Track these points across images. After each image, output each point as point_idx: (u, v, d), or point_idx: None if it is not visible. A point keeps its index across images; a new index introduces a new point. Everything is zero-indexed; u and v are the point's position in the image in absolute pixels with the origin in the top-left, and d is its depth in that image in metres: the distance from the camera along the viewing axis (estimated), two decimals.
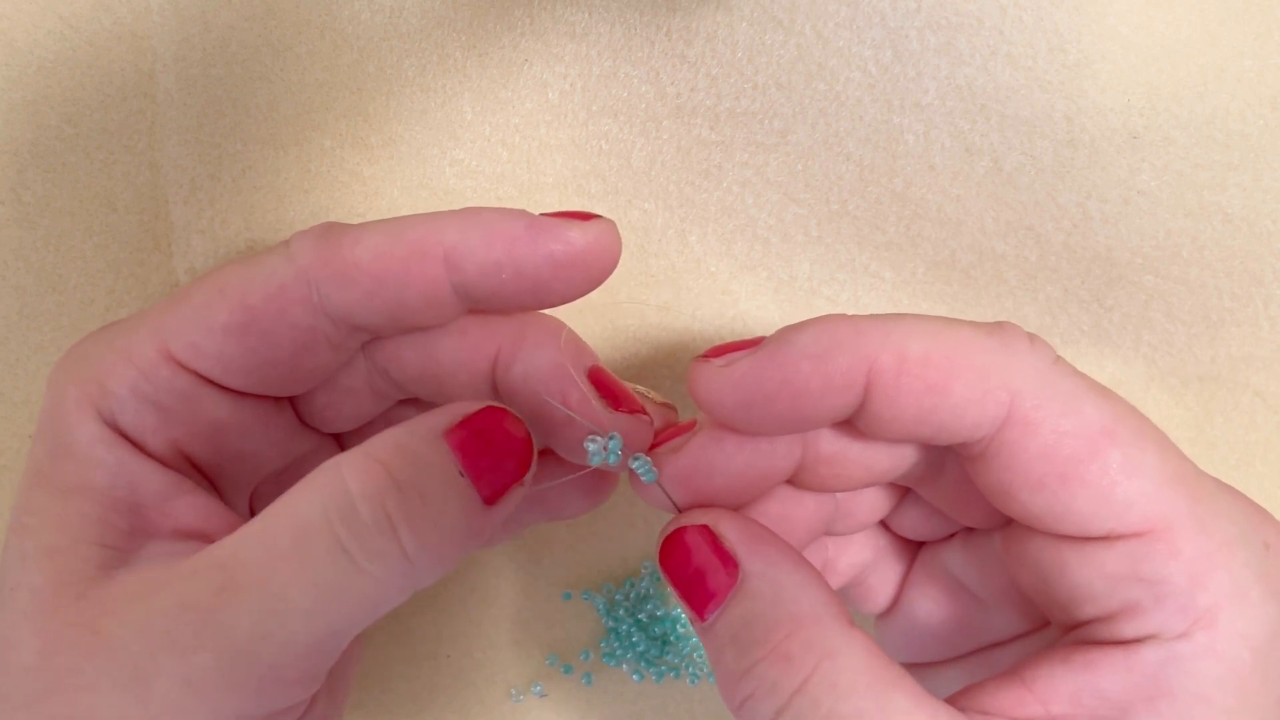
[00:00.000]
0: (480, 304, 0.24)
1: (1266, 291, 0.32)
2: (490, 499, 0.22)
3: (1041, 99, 0.29)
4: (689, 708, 0.36)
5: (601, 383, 0.25)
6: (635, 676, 0.35)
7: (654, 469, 0.24)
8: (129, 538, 0.23)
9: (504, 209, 0.24)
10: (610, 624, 0.35)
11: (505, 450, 0.23)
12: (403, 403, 0.28)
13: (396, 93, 0.30)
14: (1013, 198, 0.30)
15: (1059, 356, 0.23)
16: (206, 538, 0.23)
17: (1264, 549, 0.22)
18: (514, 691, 0.35)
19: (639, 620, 0.35)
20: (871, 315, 0.23)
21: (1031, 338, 0.22)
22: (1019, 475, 0.22)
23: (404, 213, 0.30)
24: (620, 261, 0.31)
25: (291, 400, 0.26)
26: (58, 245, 0.30)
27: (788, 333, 0.23)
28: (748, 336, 0.32)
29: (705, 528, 0.23)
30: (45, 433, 0.24)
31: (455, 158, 0.30)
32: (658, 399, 0.26)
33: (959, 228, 0.31)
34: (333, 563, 0.21)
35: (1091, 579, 0.22)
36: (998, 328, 0.23)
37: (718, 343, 0.32)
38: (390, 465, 0.22)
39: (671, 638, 0.36)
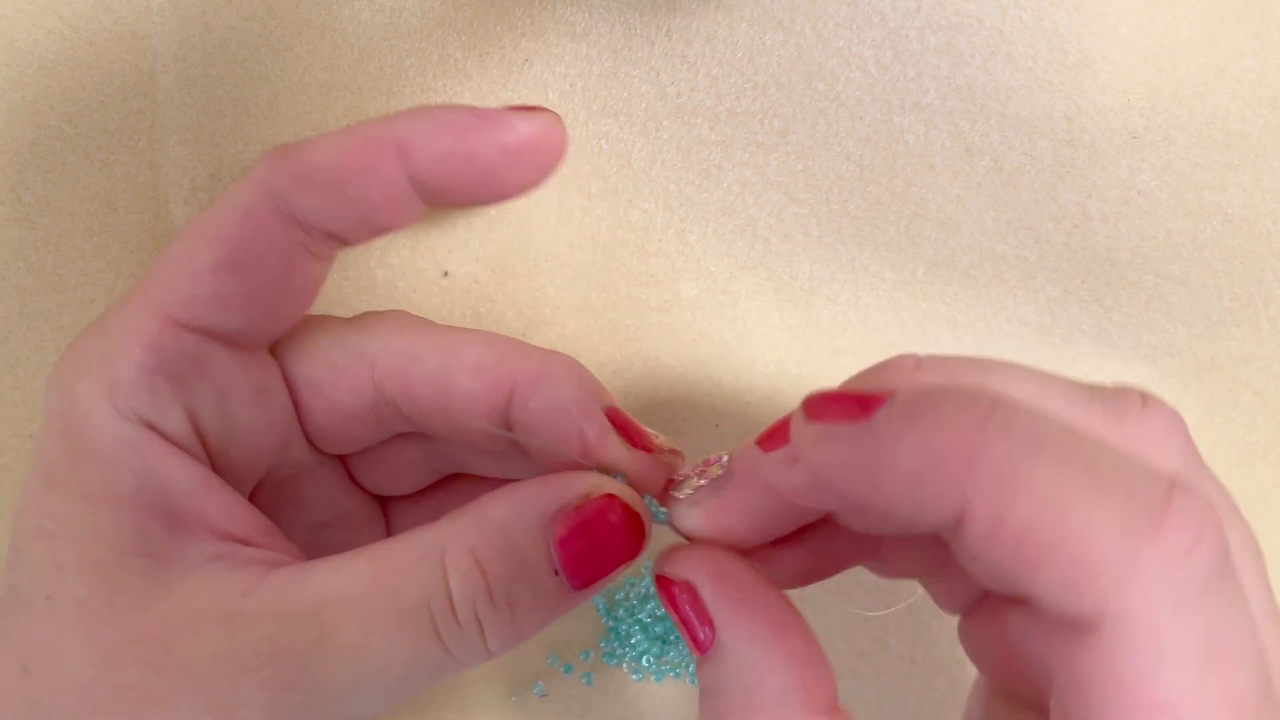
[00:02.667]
0: (437, 197, 0.24)
1: (1266, 292, 0.32)
2: (581, 587, 0.23)
3: (1042, 99, 0.29)
4: (689, 708, 0.36)
5: (619, 422, 0.25)
6: (636, 677, 0.35)
7: (661, 509, 0.24)
8: (168, 542, 0.23)
9: (452, 105, 0.24)
10: (611, 624, 0.35)
11: (610, 544, 0.23)
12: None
13: (397, 93, 0.30)
14: (1013, 198, 0.30)
15: (1228, 567, 0.17)
16: (239, 539, 0.23)
17: None
18: (514, 691, 0.35)
19: (640, 620, 0.35)
20: (987, 405, 0.17)
21: (1202, 530, 0.16)
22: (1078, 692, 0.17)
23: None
24: (620, 260, 0.31)
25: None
26: (58, 245, 0.30)
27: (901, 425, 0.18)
28: (746, 336, 0.32)
29: (688, 584, 0.22)
30: (56, 432, 0.23)
31: None
32: (667, 444, 0.26)
33: (959, 228, 0.31)
34: (425, 645, 0.22)
35: None
36: (1161, 489, 0.17)
37: (717, 342, 0.32)
38: (489, 572, 0.22)
39: (672, 638, 0.36)
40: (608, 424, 0.24)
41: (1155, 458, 0.19)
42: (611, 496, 0.23)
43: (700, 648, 0.21)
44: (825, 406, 0.19)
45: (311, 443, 0.27)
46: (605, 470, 0.24)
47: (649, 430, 0.26)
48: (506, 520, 0.22)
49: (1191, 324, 0.32)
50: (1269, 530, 0.34)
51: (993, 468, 0.17)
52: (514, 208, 0.31)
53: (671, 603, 0.22)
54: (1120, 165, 0.30)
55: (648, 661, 0.35)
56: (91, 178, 0.30)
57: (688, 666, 0.36)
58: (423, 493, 0.29)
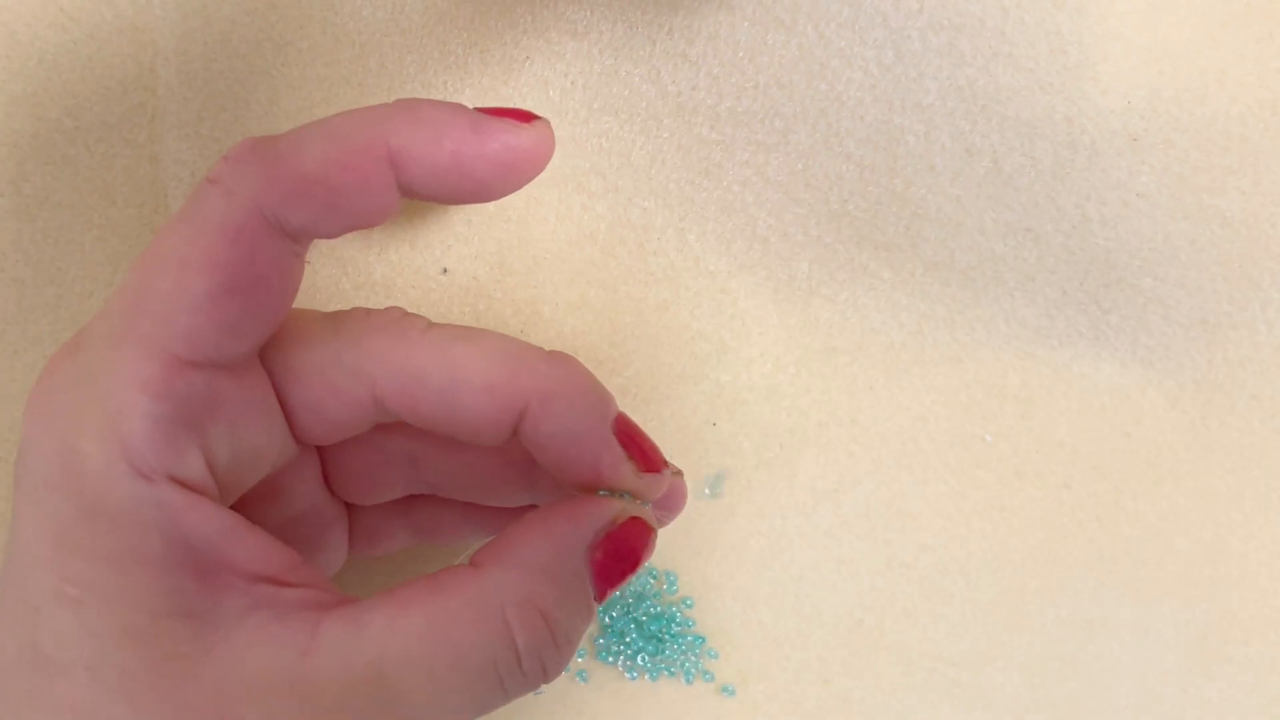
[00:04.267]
0: (418, 198, 0.24)
1: (1264, 295, 0.32)
2: (603, 598, 0.24)
3: (1042, 100, 0.29)
4: (684, 706, 0.36)
5: (628, 439, 0.25)
6: (630, 675, 0.35)
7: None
8: (203, 597, 0.22)
9: (442, 103, 0.23)
10: (606, 621, 0.35)
11: (635, 559, 0.24)
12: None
13: (398, 89, 0.30)
14: (1012, 199, 0.30)
15: None
16: (272, 580, 0.23)
17: None
18: None
19: (635, 618, 0.35)
20: None
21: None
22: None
23: (402, 209, 0.31)
24: (619, 258, 0.31)
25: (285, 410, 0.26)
26: (57, 238, 0.30)
27: None
28: (745, 336, 0.32)
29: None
30: (59, 486, 0.21)
31: None
32: (673, 469, 0.27)
33: (958, 228, 0.31)
34: (489, 696, 0.23)
35: None
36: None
37: (715, 341, 0.32)
38: (553, 619, 0.23)
39: (667, 636, 0.36)
40: (621, 452, 0.25)
41: None
42: (638, 520, 0.24)
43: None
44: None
45: (296, 437, 0.26)
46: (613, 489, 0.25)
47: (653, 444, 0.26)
48: (553, 564, 0.23)
49: (1189, 327, 0.32)
50: (1266, 533, 0.34)
51: None
52: (513, 205, 0.31)
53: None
54: (1120, 168, 0.30)
55: (643, 659, 0.35)
56: (91, 171, 0.30)
57: (683, 665, 0.36)
58: (387, 504, 0.29)
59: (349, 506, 0.29)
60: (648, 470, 0.25)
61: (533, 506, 0.28)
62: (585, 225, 0.31)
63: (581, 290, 0.32)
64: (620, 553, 0.24)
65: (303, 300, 0.31)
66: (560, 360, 0.25)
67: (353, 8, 0.29)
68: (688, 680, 0.36)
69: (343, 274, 0.31)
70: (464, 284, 0.31)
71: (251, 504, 0.26)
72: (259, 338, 0.23)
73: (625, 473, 0.25)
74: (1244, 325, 0.32)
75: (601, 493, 0.25)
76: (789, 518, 0.33)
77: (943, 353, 0.32)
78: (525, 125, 0.23)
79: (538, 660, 0.23)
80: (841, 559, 0.34)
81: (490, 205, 0.31)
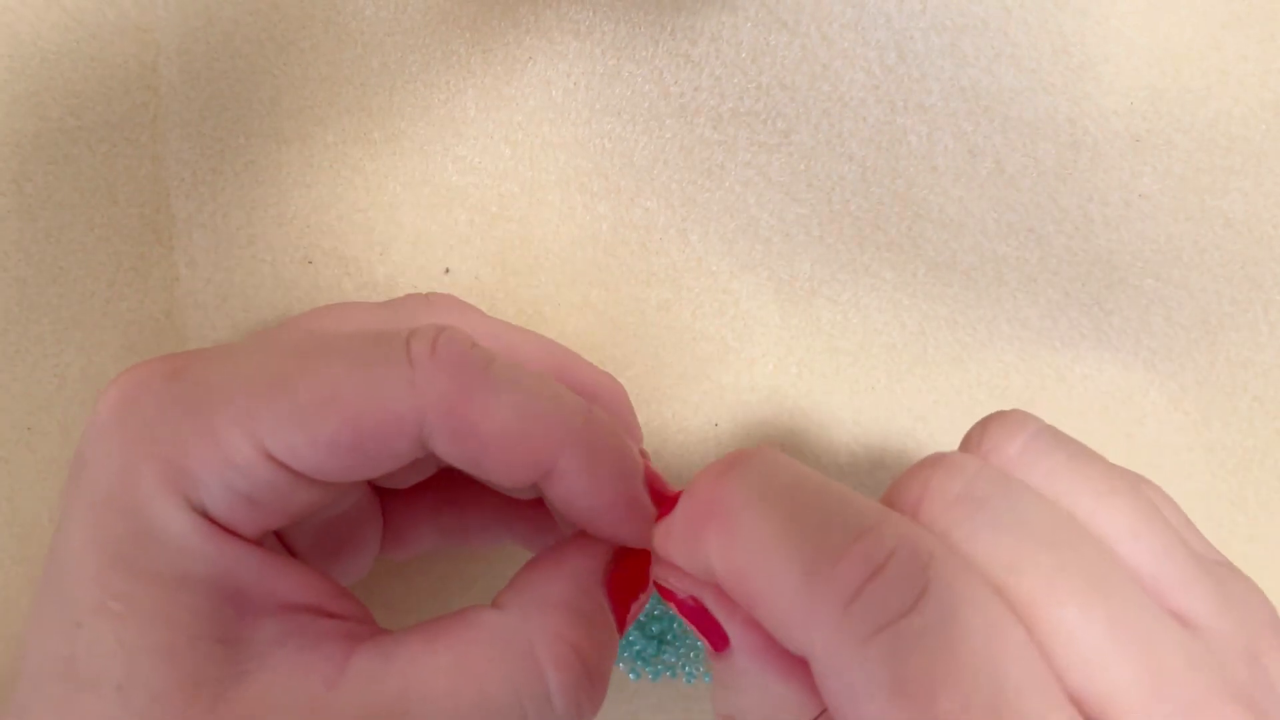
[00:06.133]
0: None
1: (1266, 297, 0.32)
2: (621, 629, 0.24)
3: (1045, 101, 0.29)
4: (685, 707, 0.36)
5: (660, 498, 0.25)
6: (632, 675, 0.35)
7: None
8: (239, 625, 0.22)
9: (623, 442, 0.24)
10: None
11: (640, 584, 0.24)
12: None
13: (400, 88, 0.30)
14: (1015, 200, 0.30)
15: (928, 595, 0.18)
16: (311, 609, 0.23)
17: None
18: None
19: (637, 619, 0.35)
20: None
21: (880, 568, 0.18)
22: None
23: (404, 208, 0.31)
24: (622, 259, 0.31)
25: None
26: (59, 237, 0.30)
27: None
28: (746, 336, 0.32)
29: (695, 600, 0.22)
30: (112, 505, 0.22)
31: (458, 154, 0.30)
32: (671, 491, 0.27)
33: (961, 229, 0.31)
34: None
35: None
36: (853, 531, 0.18)
37: (717, 341, 0.32)
38: (584, 653, 0.23)
39: (669, 636, 0.36)
40: (652, 513, 0.24)
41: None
42: (646, 552, 0.24)
43: (717, 647, 0.22)
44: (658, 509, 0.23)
45: None
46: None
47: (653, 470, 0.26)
48: (576, 599, 0.23)
49: (1191, 328, 0.32)
50: (1268, 534, 0.34)
51: (722, 523, 0.19)
52: (516, 205, 0.31)
53: (682, 611, 0.22)
54: (1122, 168, 0.30)
55: (644, 660, 0.35)
56: (93, 170, 0.30)
57: (683, 666, 0.36)
58: (419, 485, 0.29)
59: (382, 502, 0.29)
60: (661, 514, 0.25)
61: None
62: (588, 225, 0.31)
63: (583, 290, 0.32)
64: (630, 579, 0.24)
65: (305, 300, 0.31)
66: (598, 421, 0.24)
67: (355, 7, 0.29)
68: (689, 680, 0.36)
69: (345, 274, 0.31)
70: (466, 284, 0.31)
71: None
72: (347, 485, 0.23)
73: (656, 537, 0.24)
74: (1246, 326, 0.32)
75: None
76: None
77: (945, 354, 0.32)
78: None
79: (573, 697, 0.22)
80: None
81: (493, 205, 0.31)
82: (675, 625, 0.36)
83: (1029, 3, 0.28)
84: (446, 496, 0.30)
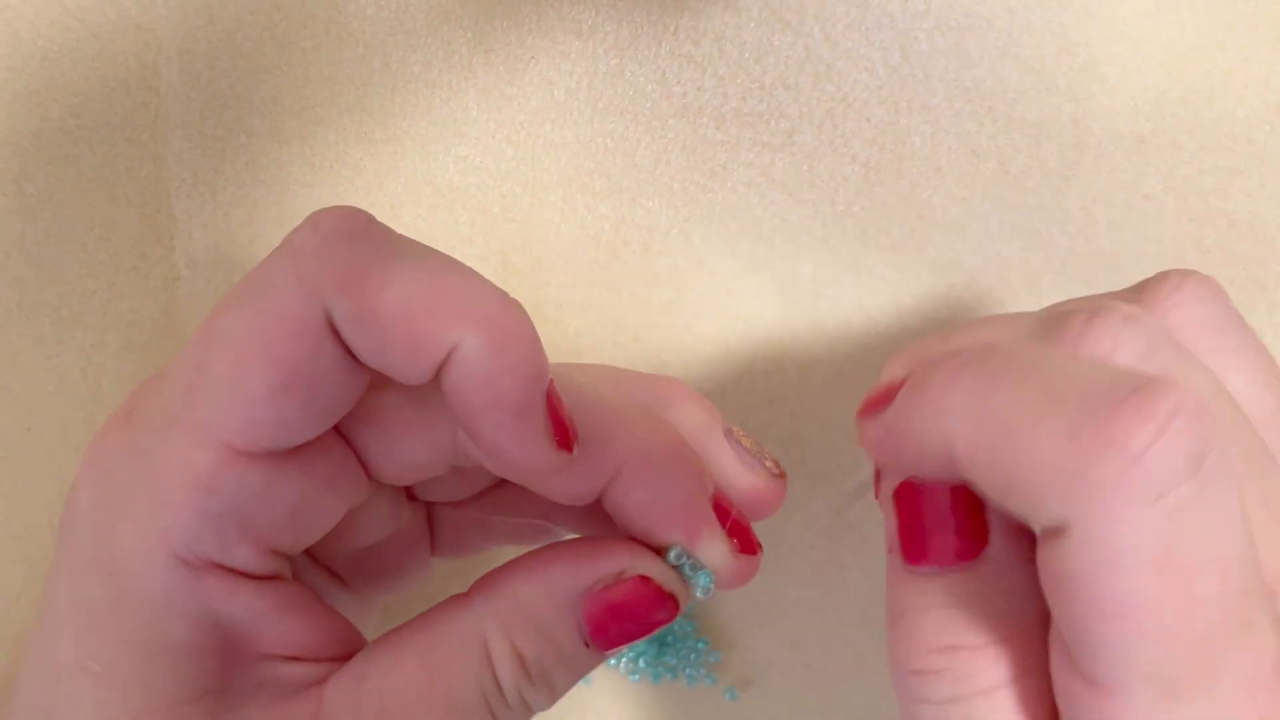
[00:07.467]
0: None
1: (1270, 298, 0.32)
2: (606, 649, 0.23)
3: (1049, 102, 0.29)
4: (686, 709, 0.36)
5: (726, 514, 0.24)
6: (633, 677, 0.35)
7: (703, 575, 0.23)
8: (223, 673, 0.22)
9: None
10: None
11: (640, 620, 0.23)
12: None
13: (401, 88, 0.30)
14: (1018, 201, 0.30)
15: (1206, 466, 0.16)
16: (288, 658, 0.22)
17: None
18: None
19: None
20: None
21: (1162, 428, 0.15)
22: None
23: (405, 208, 0.31)
24: (624, 259, 0.31)
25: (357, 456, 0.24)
26: (59, 237, 0.30)
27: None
28: (749, 337, 0.32)
29: (954, 489, 0.20)
30: (93, 567, 0.21)
31: (459, 154, 0.30)
32: (776, 467, 0.25)
33: (964, 230, 0.31)
34: None
35: None
36: (1121, 391, 0.16)
37: (719, 342, 0.32)
38: (526, 658, 0.22)
39: (669, 639, 0.36)
40: (719, 528, 0.23)
41: (1133, 356, 0.18)
42: (644, 579, 0.23)
43: (972, 551, 0.19)
44: (866, 405, 0.22)
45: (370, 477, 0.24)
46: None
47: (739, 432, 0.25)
48: (538, 602, 0.23)
49: None
50: (1270, 533, 0.34)
51: (965, 404, 0.18)
52: (518, 206, 0.31)
53: (919, 507, 0.20)
54: (1126, 169, 0.30)
55: (645, 662, 0.35)
56: (94, 170, 0.29)
57: (684, 668, 0.36)
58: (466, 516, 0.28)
59: (430, 516, 0.28)
60: (745, 551, 0.24)
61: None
62: (590, 226, 0.31)
63: (586, 291, 0.32)
64: (618, 611, 0.22)
65: None
66: (666, 435, 0.24)
67: (356, 6, 0.29)
68: (690, 683, 0.36)
69: None
70: None
71: (325, 540, 0.24)
72: (320, 429, 0.21)
73: (717, 552, 0.23)
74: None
75: (673, 553, 0.23)
76: (792, 520, 0.33)
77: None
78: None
79: (517, 694, 0.22)
80: (845, 562, 0.33)
81: (495, 206, 0.31)
82: (676, 628, 0.36)
83: (1033, 3, 0.28)
84: (498, 506, 0.28)
